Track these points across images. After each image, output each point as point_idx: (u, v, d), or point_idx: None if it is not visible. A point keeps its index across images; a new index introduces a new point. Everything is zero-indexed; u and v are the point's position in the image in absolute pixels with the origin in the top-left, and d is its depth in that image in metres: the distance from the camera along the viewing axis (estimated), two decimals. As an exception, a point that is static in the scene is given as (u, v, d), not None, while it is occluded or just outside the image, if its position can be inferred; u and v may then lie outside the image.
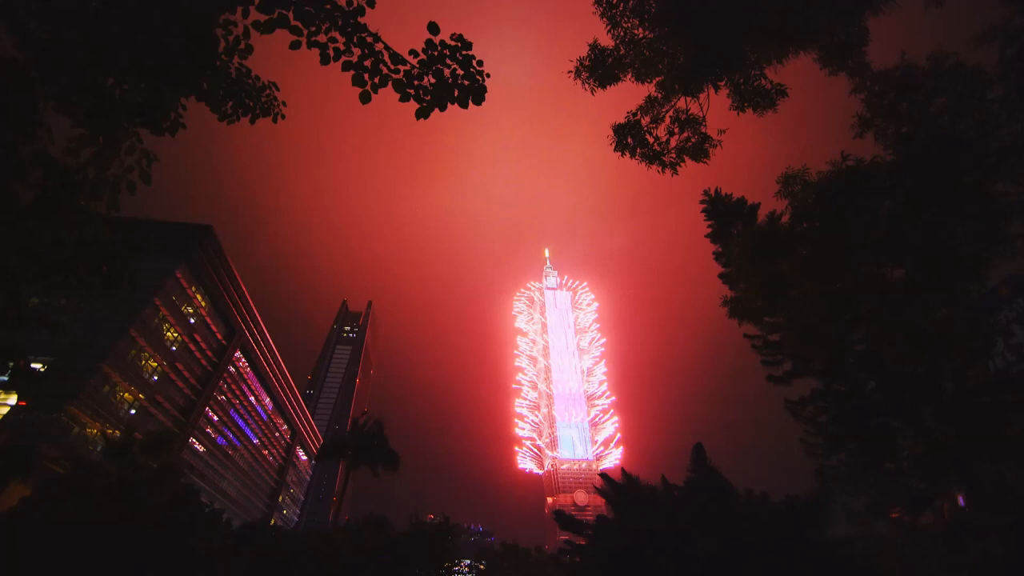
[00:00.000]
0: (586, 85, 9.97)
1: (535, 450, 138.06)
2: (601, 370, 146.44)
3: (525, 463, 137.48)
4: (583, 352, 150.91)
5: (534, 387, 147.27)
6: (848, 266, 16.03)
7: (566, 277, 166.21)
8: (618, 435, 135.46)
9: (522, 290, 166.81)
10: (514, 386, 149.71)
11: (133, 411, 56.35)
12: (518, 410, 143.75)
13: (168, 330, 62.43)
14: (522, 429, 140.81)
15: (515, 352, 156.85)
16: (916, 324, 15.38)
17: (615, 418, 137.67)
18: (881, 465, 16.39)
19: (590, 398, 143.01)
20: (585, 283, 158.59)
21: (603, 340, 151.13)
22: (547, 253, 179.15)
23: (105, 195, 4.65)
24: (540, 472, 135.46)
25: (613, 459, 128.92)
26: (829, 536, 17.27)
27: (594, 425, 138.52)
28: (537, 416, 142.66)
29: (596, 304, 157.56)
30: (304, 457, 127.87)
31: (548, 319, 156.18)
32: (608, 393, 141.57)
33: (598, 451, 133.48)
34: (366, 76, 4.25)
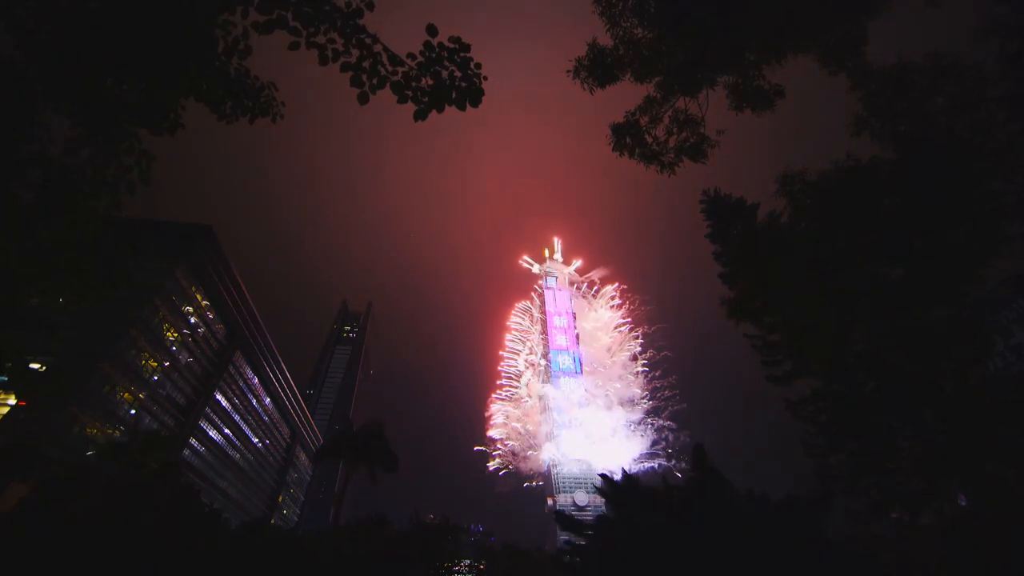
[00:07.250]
0: (585, 84, 9.97)
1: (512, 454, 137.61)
2: (603, 368, 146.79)
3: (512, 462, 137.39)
4: (586, 351, 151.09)
5: (529, 381, 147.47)
6: (848, 266, 16.02)
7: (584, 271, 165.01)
8: (620, 434, 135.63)
9: (524, 286, 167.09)
10: (511, 384, 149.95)
11: (133, 411, 56.34)
12: (515, 410, 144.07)
13: (168, 330, 62.42)
14: (520, 433, 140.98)
15: (515, 352, 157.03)
16: (916, 324, 15.38)
17: (617, 417, 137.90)
18: (881, 465, 16.38)
19: (593, 398, 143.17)
20: (603, 279, 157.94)
21: (608, 339, 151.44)
22: (546, 253, 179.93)
23: (104, 195, 4.66)
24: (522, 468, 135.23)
25: (614, 459, 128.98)
26: (829, 536, 17.28)
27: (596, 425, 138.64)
28: (536, 415, 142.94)
29: (601, 304, 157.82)
30: (304, 457, 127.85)
31: (548, 319, 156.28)
32: (612, 392, 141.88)
33: (598, 451, 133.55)
34: (364, 77, 4.26)
